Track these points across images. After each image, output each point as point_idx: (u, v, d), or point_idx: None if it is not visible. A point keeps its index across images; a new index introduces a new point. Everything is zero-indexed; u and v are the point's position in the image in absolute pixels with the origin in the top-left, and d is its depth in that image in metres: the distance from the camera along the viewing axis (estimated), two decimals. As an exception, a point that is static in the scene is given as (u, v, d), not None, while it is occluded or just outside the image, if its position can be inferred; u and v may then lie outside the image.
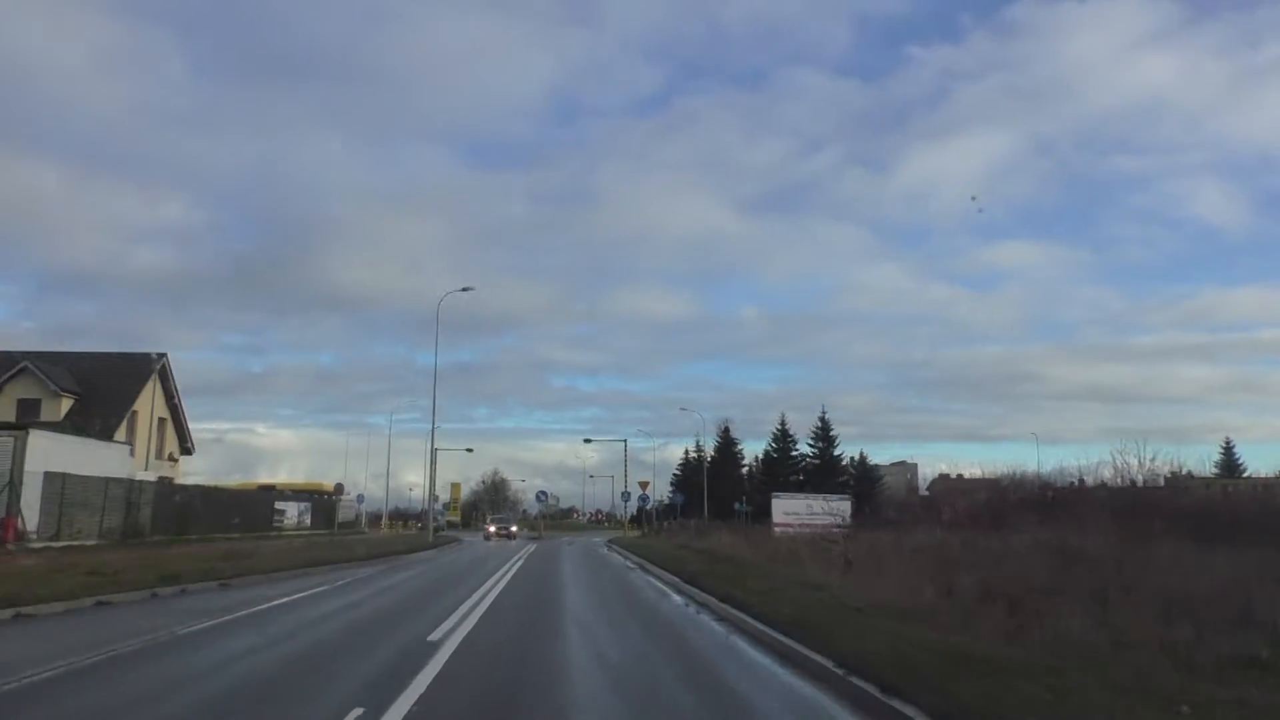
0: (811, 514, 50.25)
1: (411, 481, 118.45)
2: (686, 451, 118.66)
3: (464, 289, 41.03)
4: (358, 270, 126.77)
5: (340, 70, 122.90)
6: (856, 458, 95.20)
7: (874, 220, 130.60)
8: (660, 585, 18.96)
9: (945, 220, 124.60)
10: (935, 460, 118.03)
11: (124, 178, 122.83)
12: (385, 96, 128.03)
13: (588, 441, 54.46)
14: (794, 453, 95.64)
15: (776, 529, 49.09)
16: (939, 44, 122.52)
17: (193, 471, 50.19)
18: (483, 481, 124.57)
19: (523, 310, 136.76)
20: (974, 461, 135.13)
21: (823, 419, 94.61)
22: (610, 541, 45.67)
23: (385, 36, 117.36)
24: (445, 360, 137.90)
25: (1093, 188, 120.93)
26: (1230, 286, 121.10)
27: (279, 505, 46.90)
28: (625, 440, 54.87)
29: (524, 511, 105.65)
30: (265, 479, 65.44)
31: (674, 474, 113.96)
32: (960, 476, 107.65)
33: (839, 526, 50.18)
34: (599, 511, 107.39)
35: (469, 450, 64.94)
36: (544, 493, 53.40)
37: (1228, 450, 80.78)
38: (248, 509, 43.00)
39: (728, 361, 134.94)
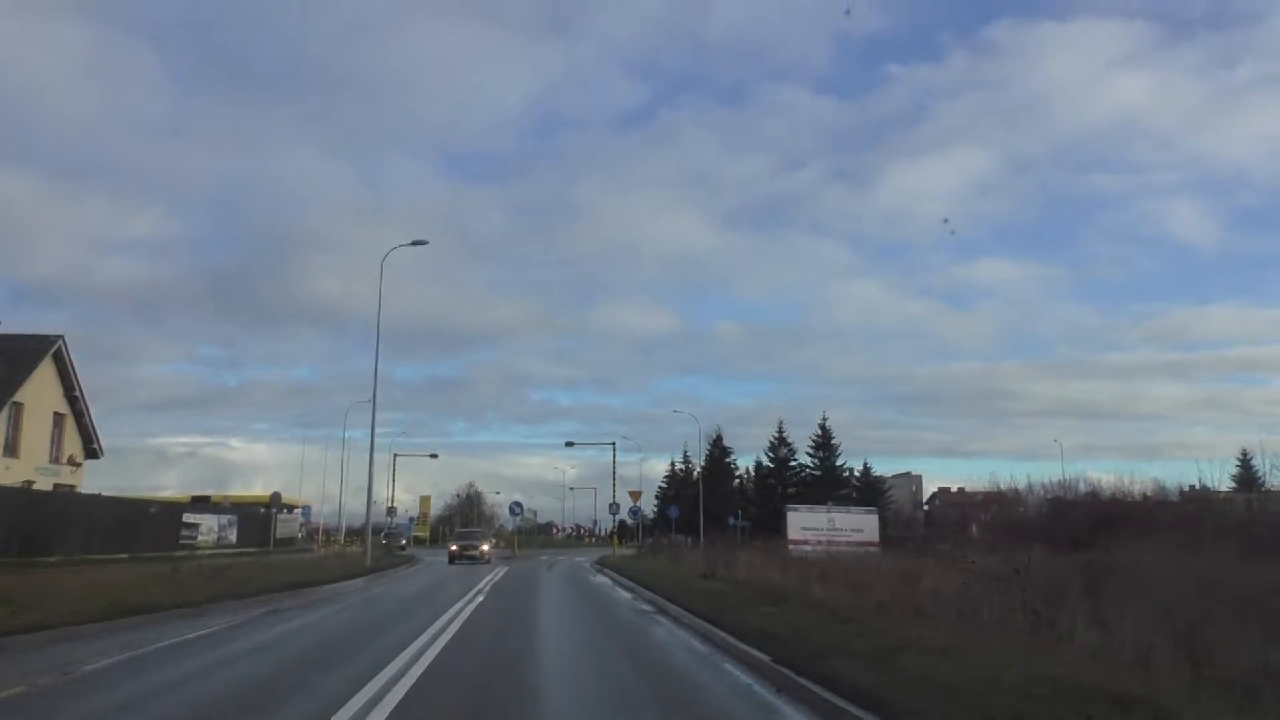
0: (834, 529, 42.82)
1: (395, 495, 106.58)
2: (673, 464, 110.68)
3: (415, 243, 32.91)
4: (334, 283, 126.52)
5: (318, 82, 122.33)
6: (860, 469, 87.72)
7: (853, 236, 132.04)
8: (731, 668, 9.70)
9: (923, 237, 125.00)
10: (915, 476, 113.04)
11: (96, 188, 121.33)
12: (364, 109, 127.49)
13: (570, 445, 46.02)
14: (792, 463, 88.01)
15: (792, 547, 41.53)
16: (918, 63, 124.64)
17: (165, 485, 42.17)
18: (457, 495, 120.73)
19: (501, 324, 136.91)
20: (955, 478, 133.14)
21: (823, 427, 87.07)
22: (598, 563, 37.85)
23: (364, 48, 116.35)
24: (421, 374, 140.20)
25: (1069, 206, 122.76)
26: (1202, 305, 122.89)
27: (190, 519, 38.45)
28: (614, 444, 47.21)
29: (500, 526, 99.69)
30: (238, 491, 61.11)
31: (659, 487, 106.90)
32: (961, 490, 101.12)
33: (865, 544, 42.76)
34: (579, 527, 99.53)
35: (433, 456, 56.18)
36: (519, 505, 45.64)
37: (1245, 463, 73.91)
38: (145, 525, 34.67)
39: (706, 376, 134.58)
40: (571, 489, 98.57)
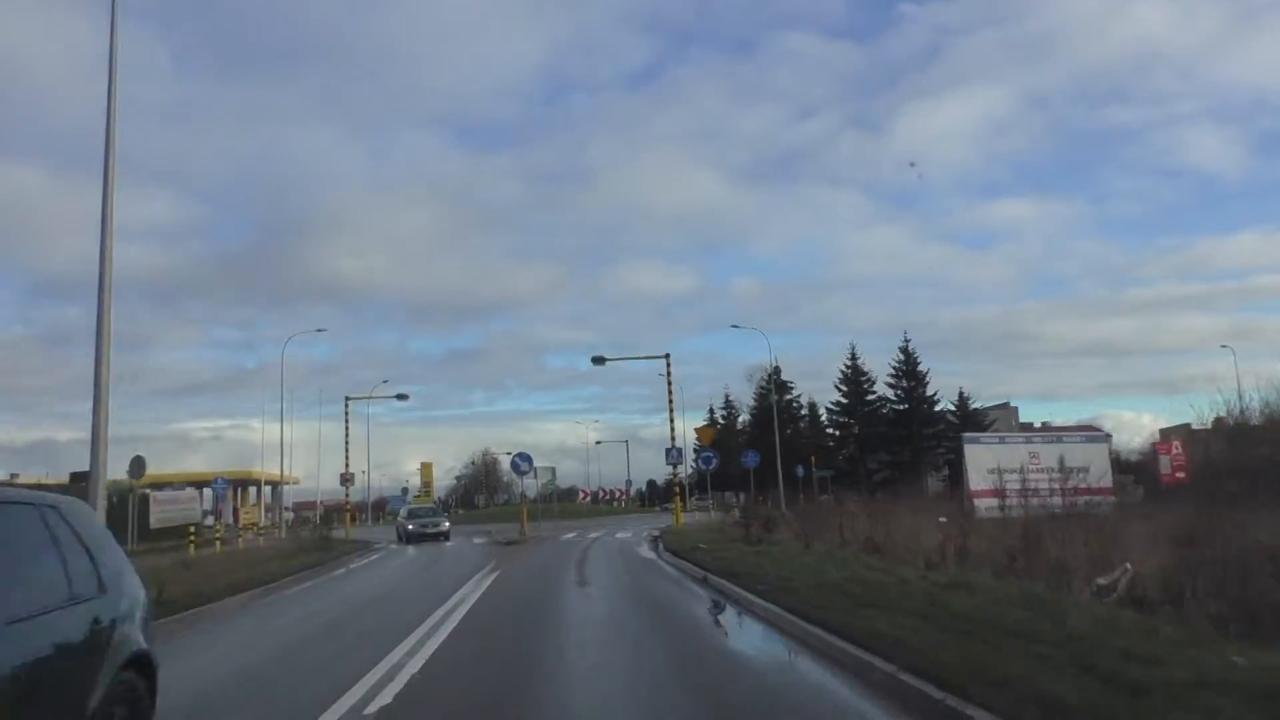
0: (1039, 469, 26.49)
1: (411, 470, 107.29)
2: (711, 412, 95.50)
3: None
4: (351, 260, 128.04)
5: (326, 58, 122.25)
6: (955, 400, 71.00)
7: (869, 184, 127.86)
8: None
9: (941, 180, 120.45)
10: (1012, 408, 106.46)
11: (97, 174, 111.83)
12: (372, 83, 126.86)
13: (599, 362, 28.13)
14: (870, 396, 71.63)
15: (977, 501, 25.48)
16: (931, 0, 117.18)
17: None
18: (472, 463, 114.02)
19: (519, 292, 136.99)
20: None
21: (906, 351, 70.44)
22: (671, 549, 20.55)
23: (370, 21, 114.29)
24: (439, 346, 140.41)
25: (1087, 141, 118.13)
26: (1226, 233, 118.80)
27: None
28: (667, 356, 30.69)
29: (522, 495, 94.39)
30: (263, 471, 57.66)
31: (695, 445, 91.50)
32: (1046, 426, 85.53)
33: (1092, 492, 26.44)
34: (606, 491, 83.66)
35: (401, 397, 38.62)
36: (525, 458, 30.27)
37: None
38: None
39: (725, 334, 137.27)
40: (599, 442, 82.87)
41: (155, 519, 27.95)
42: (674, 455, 30.46)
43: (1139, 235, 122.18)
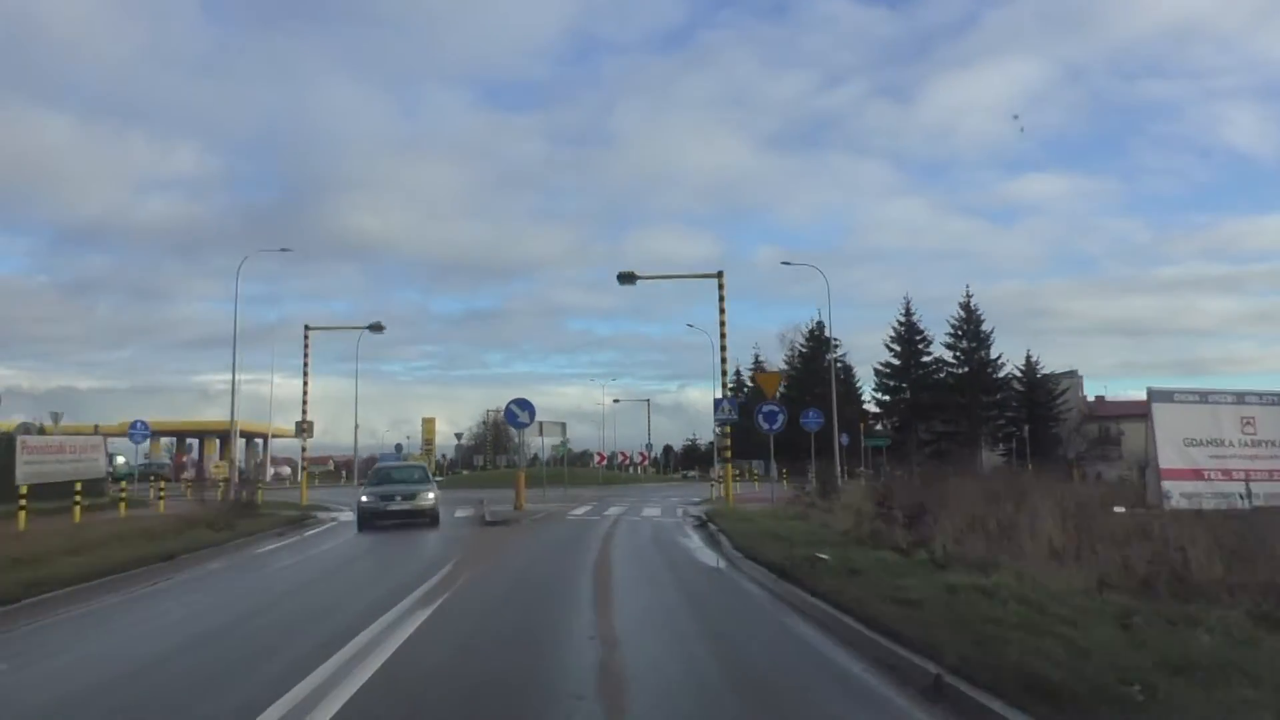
0: (1255, 442, 18.68)
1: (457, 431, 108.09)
2: (738, 373, 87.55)
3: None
4: (373, 217, 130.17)
5: (355, 14, 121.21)
6: (1022, 363, 62.69)
7: (896, 154, 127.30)
8: None
9: (969, 152, 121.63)
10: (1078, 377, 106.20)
11: (135, 126, 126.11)
12: (401, 40, 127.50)
13: (628, 279, 20.01)
14: (925, 358, 63.45)
15: (1167, 485, 17.73)
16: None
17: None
18: (483, 423, 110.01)
19: (539, 254, 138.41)
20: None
21: (967, 308, 62.08)
22: (755, 556, 12.43)
23: None
24: (459, 307, 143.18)
25: (1121, 116, 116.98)
26: (1258, 215, 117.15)
27: None
28: (719, 274, 22.50)
29: (535, 458, 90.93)
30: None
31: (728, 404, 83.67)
32: (1100, 399, 76.92)
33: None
34: (624, 455, 75.60)
35: (376, 328, 30.58)
36: (522, 405, 21.87)
37: None
38: None
39: (745, 302, 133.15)
40: (616, 401, 75.62)
41: (23, 473, 20.56)
42: (724, 409, 22.49)
43: (1168, 213, 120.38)
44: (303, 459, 31.55)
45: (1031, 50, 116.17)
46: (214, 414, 72.49)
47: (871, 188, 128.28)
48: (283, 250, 40.45)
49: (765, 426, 21.70)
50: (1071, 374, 67.93)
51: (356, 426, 60.03)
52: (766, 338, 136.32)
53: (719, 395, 23.21)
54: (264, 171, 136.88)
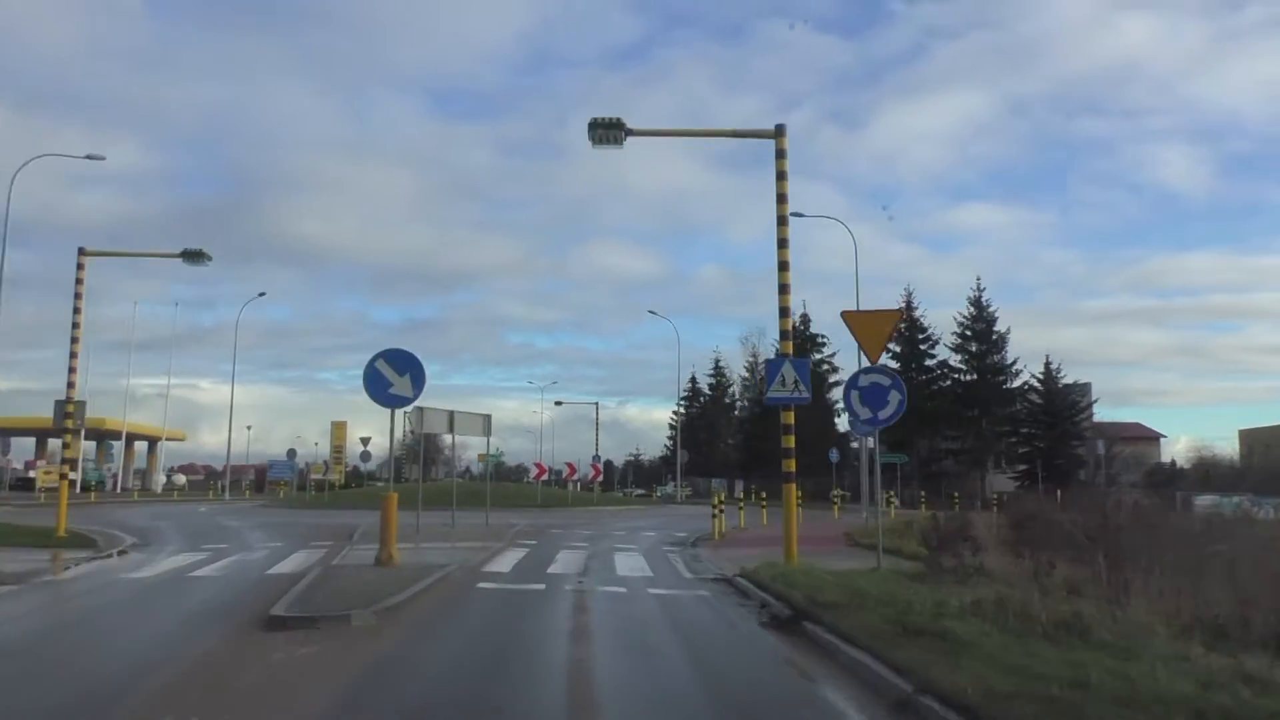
0: None
1: (363, 435, 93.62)
2: (693, 382, 77.65)
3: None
4: (316, 222, 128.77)
5: (305, 14, 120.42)
6: (1040, 372, 53.13)
7: (843, 179, 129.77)
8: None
9: (913, 180, 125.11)
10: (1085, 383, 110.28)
11: (71, 119, 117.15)
12: (352, 43, 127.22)
13: (609, 133, 9.27)
14: (929, 361, 53.66)
15: None
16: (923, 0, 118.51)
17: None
18: (411, 432, 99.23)
19: (483, 265, 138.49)
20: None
21: (978, 303, 52.60)
22: None
23: None
24: (398, 315, 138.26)
25: (1061, 150, 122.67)
26: (1184, 251, 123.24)
27: None
28: (778, 129, 12.06)
29: (467, 471, 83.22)
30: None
31: (672, 420, 73.54)
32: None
33: None
34: (572, 468, 64.03)
35: (197, 258, 19.81)
36: (395, 361, 11.00)
37: None
38: None
39: (686, 318, 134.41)
40: (559, 403, 65.08)
41: None
42: (788, 378, 11.31)
43: (1101, 246, 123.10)
44: (65, 468, 19.89)
45: (978, 83, 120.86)
46: (140, 418, 66.98)
47: (818, 211, 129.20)
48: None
49: (870, 416, 11.23)
50: (1085, 386, 58.84)
51: (230, 428, 48.28)
52: (703, 358, 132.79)
53: (777, 355, 12.38)
54: (204, 170, 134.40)
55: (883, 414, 11.39)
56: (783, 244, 12.71)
